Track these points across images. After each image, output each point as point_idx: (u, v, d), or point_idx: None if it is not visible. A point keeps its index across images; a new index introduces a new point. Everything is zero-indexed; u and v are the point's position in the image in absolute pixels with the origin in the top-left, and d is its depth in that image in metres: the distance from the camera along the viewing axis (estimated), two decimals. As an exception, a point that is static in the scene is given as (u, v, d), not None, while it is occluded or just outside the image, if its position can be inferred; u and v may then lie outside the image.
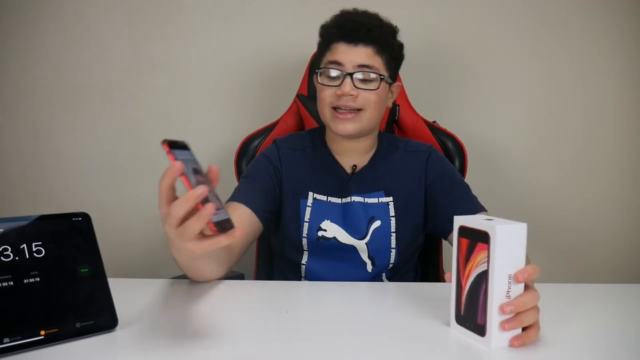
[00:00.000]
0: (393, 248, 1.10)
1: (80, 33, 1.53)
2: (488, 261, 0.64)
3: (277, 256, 1.22)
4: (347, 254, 1.10)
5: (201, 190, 0.57)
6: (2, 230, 0.65)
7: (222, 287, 0.95)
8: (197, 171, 0.62)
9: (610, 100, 1.62)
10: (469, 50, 1.53)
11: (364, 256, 1.10)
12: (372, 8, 1.10)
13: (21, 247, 0.66)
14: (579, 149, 1.65)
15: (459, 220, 0.69)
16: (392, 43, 1.09)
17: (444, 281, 1.33)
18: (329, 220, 1.10)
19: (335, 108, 1.06)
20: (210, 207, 0.57)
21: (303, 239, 1.10)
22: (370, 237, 1.10)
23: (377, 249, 1.10)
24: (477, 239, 0.65)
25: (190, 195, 0.58)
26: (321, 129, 1.20)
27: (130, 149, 1.58)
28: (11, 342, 0.62)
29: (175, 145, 0.62)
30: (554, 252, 1.66)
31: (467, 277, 0.67)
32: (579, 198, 1.66)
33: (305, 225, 1.10)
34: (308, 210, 1.11)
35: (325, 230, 1.09)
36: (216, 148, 1.58)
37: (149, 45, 1.54)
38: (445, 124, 1.37)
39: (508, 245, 0.63)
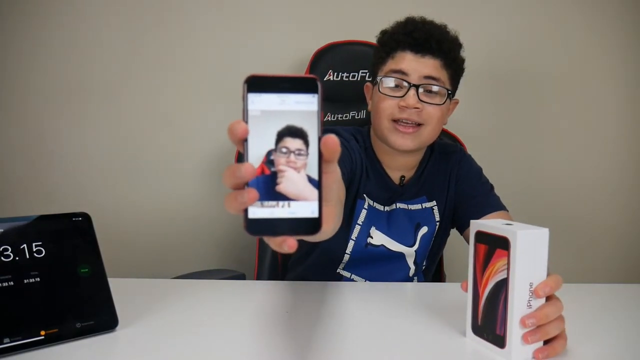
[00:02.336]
0: (430, 250, 1.12)
1: (80, 33, 1.52)
2: (508, 269, 0.61)
3: (309, 244, 1.12)
4: (394, 260, 1.09)
5: (244, 170, 0.39)
6: (2, 230, 0.65)
7: (222, 287, 0.95)
8: (293, 133, 0.41)
9: (611, 98, 1.62)
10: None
11: (410, 262, 1.10)
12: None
13: (21, 247, 0.66)
14: (579, 150, 1.64)
15: (476, 225, 0.66)
16: (458, 57, 1.04)
17: (445, 281, 1.35)
18: (374, 227, 1.07)
19: (395, 120, 0.99)
20: (248, 195, 0.39)
21: (351, 241, 1.06)
22: (419, 243, 1.10)
23: (423, 253, 1.11)
24: (496, 244, 0.62)
25: (229, 172, 0.40)
26: (367, 134, 1.12)
27: (130, 148, 1.58)
28: (11, 342, 0.62)
29: (266, 84, 0.41)
30: (555, 252, 1.65)
31: (484, 285, 0.65)
32: (579, 198, 1.66)
33: (357, 227, 1.06)
34: (364, 213, 1.06)
35: (372, 237, 1.06)
36: (216, 148, 1.58)
37: (149, 46, 1.54)
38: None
39: (529, 252, 0.60)
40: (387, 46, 1.03)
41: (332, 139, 0.40)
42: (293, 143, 0.41)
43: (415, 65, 0.98)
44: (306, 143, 0.41)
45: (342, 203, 0.83)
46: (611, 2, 1.58)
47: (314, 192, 0.41)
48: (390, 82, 1.00)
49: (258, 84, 0.41)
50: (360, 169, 1.05)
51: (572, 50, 1.60)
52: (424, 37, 0.98)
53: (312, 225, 0.41)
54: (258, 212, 0.40)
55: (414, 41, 0.98)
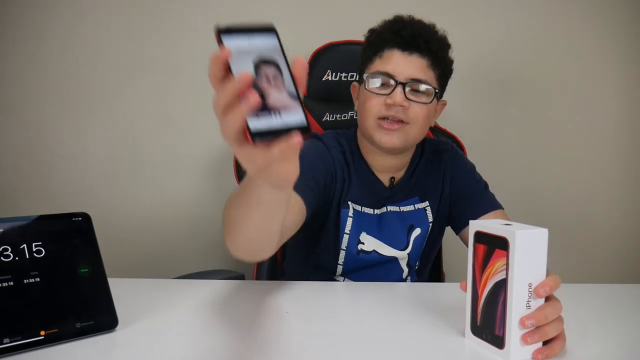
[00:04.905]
0: (423, 251, 1.12)
1: (81, 33, 1.52)
2: (507, 269, 0.61)
3: (301, 258, 1.15)
4: (387, 265, 1.07)
5: (240, 77, 0.45)
6: (2, 230, 0.65)
7: (222, 287, 0.95)
8: (266, 61, 0.49)
9: (611, 98, 1.62)
10: (465, 51, 1.54)
11: (403, 264, 1.09)
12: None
13: (21, 247, 0.66)
14: (579, 150, 1.65)
15: (475, 226, 0.66)
16: (446, 58, 1.02)
17: (444, 281, 1.35)
18: (364, 233, 1.05)
19: (381, 119, 0.98)
20: (251, 98, 0.45)
21: (341, 251, 1.05)
22: (412, 246, 1.08)
23: (416, 255, 1.10)
24: (495, 245, 0.62)
25: (222, 86, 0.47)
26: (352, 136, 1.10)
27: (130, 148, 1.58)
28: (11, 342, 0.62)
29: (234, 31, 0.48)
30: (555, 252, 1.65)
31: (483, 285, 0.64)
32: (579, 198, 1.66)
33: (345, 237, 1.04)
34: (349, 221, 1.04)
35: (363, 244, 1.05)
36: (216, 148, 1.58)
37: (149, 45, 1.54)
38: (444, 124, 1.37)
39: (528, 252, 0.60)
40: (375, 45, 1.02)
41: (300, 60, 0.48)
42: (269, 69, 0.48)
43: (402, 65, 0.97)
44: (279, 69, 0.48)
45: (292, 228, 0.86)
46: (611, 2, 1.58)
47: (297, 103, 0.48)
48: (377, 81, 0.99)
49: (228, 30, 0.48)
50: (341, 177, 1.03)
51: (571, 50, 1.60)
52: (412, 35, 0.97)
53: (302, 127, 0.47)
54: (257, 124, 0.46)
55: (402, 39, 0.98)
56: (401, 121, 0.97)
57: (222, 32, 0.48)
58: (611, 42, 1.60)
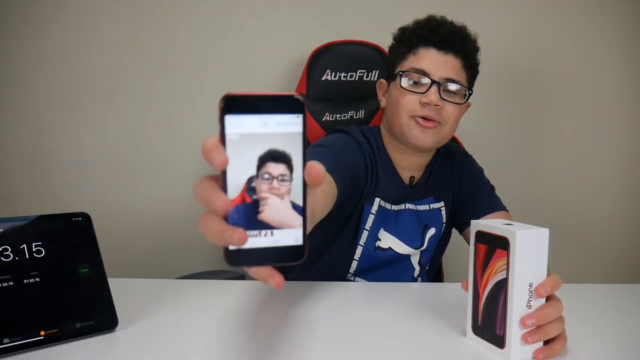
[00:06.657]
0: (434, 251, 1.12)
1: (83, 33, 1.52)
2: (507, 269, 0.61)
3: (315, 255, 1.10)
4: (401, 262, 1.08)
5: (221, 205, 0.36)
6: (2, 230, 0.65)
7: (222, 287, 0.95)
8: (276, 157, 0.38)
9: (614, 100, 1.62)
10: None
11: (415, 262, 1.09)
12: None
13: (21, 247, 0.66)
14: (581, 151, 1.64)
15: (476, 225, 0.66)
16: (476, 60, 1.03)
17: (443, 281, 1.35)
18: (382, 229, 1.05)
19: (414, 117, 0.98)
20: (238, 236, 0.36)
21: (359, 246, 1.04)
22: (427, 245, 1.09)
23: (429, 255, 1.11)
24: (496, 244, 0.62)
25: (203, 195, 0.38)
26: (377, 133, 1.09)
27: (131, 148, 1.57)
28: (11, 342, 0.62)
29: (245, 103, 0.37)
30: (556, 252, 1.65)
31: (484, 285, 0.65)
32: (581, 199, 1.66)
33: (365, 233, 1.03)
34: (371, 218, 1.03)
35: (380, 240, 1.04)
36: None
37: (150, 46, 1.54)
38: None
39: (529, 252, 0.60)
40: (409, 42, 1.01)
41: (317, 169, 0.38)
42: (276, 168, 0.38)
43: (438, 64, 0.97)
44: (290, 168, 0.38)
45: (321, 216, 0.78)
46: (618, 4, 1.58)
47: (298, 219, 0.38)
48: (411, 78, 0.98)
49: (236, 104, 0.37)
50: (371, 173, 1.02)
51: (575, 52, 1.60)
52: (449, 34, 0.98)
53: (296, 253, 0.39)
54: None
55: (439, 37, 0.97)
56: (434, 120, 0.98)
57: (228, 106, 0.36)
58: (619, 45, 1.59)
